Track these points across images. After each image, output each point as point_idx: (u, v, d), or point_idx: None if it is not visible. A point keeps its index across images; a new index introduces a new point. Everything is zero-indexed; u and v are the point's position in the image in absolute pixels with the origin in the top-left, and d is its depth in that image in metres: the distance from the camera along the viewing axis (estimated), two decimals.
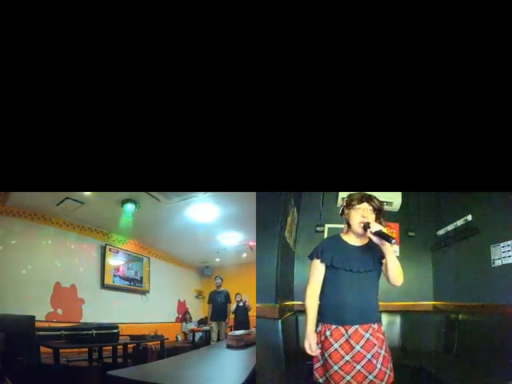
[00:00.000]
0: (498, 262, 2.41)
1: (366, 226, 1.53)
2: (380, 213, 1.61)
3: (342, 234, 1.69)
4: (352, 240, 1.65)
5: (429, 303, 3.29)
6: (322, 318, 1.62)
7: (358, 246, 1.64)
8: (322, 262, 1.61)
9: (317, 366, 1.63)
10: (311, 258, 1.67)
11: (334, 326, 1.58)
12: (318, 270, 1.62)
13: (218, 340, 4.82)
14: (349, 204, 1.63)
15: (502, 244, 2.38)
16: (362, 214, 1.58)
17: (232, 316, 5.15)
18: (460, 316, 2.71)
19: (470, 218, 2.76)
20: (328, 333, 1.58)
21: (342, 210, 1.67)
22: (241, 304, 5.08)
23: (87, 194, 3.43)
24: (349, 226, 1.65)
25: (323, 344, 1.59)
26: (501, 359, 2.08)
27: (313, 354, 1.59)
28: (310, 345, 1.58)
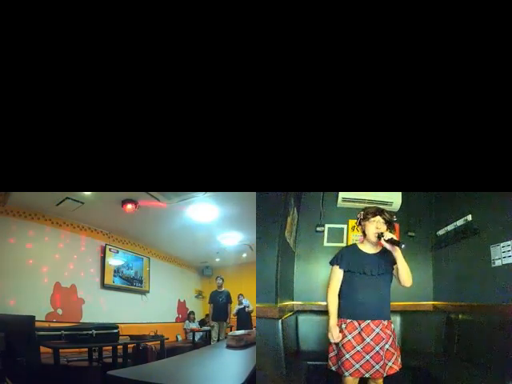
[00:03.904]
0: (498, 262, 2.41)
1: (380, 235, 1.77)
2: (390, 224, 1.85)
3: (358, 243, 1.96)
4: (367, 248, 1.89)
5: (429, 303, 3.29)
6: (339, 314, 1.86)
7: (372, 254, 1.88)
8: (340, 267, 1.87)
9: (331, 354, 1.88)
10: (332, 264, 1.92)
11: (349, 321, 1.82)
12: (337, 274, 1.88)
13: (219, 340, 4.83)
14: (365, 217, 1.87)
15: (501, 244, 2.38)
16: (376, 225, 1.82)
17: (234, 318, 5.15)
18: (460, 316, 2.70)
19: (469, 218, 2.76)
20: (343, 326, 1.82)
21: (359, 222, 1.91)
22: (241, 306, 5.07)
23: (87, 193, 3.43)
24: (364, 235, 1.89)
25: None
26: (501, 359, 2.08)
27: (336, 342, 1.81)
28: (332, 334, 1.81)
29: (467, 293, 2.75)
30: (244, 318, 4.97)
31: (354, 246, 1.96)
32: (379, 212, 1.85)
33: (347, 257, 1.88)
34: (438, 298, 3.26)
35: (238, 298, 5.13)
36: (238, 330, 4.73)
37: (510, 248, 2.30)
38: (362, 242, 1.93)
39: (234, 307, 5.12)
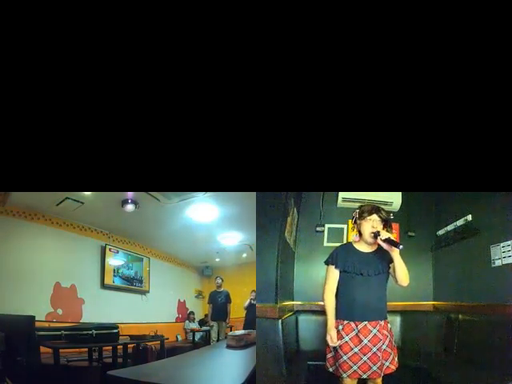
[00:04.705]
0: (498, 262, 2.41)
1: (377, 234, 1.72)
2: (387, 223, 1.80)
3: (353, 242, 1.89)
4: (363, 247, 1.83)
5: (429, 303, 3.29)
6: (336, 314, 1.81)
7: (368, 253, 1.83)
8: (336, 267, 1.82)
9: (329, 356, 1.84)
10: (326, 263, 1.86)
11: (345, 322, 1.79)
12: (333, 274, 1.83)
13: (218, 340, 4.82)
14: (360, 216, 1.81)
15: (501, 244, 2.37)
16: (372, 224, 1.77)
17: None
18: (460, 316, 2.70)
19: (469, 218, 2.76)
20: (340, 327, 1.79)
21: (355, 220, 1.85)
22: (254, 302, 5.03)
23: (87, 193, 3.43)
24: (360, 235, 1.83)
25: (336, 336, 1.78)
26: (501, 359, 2.08)
27: (335, 345, 1.78)
28: (331, 337, 1.77)
29: (467, 293, 2.75)
30: (253, 313, 4.90)
31: (349, 244, 1.89)
32: (375, 210, 1.79)
33: (343, 256, 1.82)
34: (438, 298, 3.26)
35: (251, 294, 5.07)
36: (245, 323, 4.70)
37: (510, 248, 2.30)
38: (358, 242, 1.86)
39: (245, 301, 5.07)
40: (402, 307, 3.09)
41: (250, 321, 4.78)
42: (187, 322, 5.89)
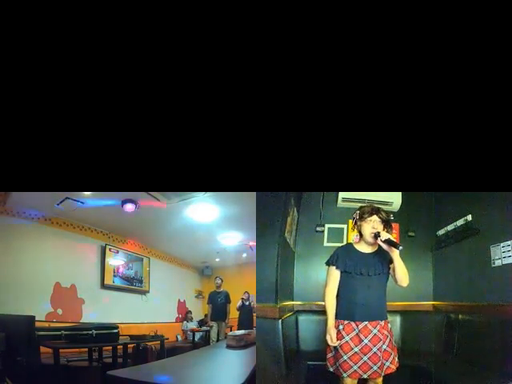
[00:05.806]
0: (498, 262, 2.41)
1: (377, 235, 1.74)
2: (387, 223, 1.81)
3: (353, 243, 1.91)
4: (363, 248, 1.85)
5: (429, 303, 3.29)
6: (336, 314, 1.83)
7: (368, 253, 1.85)
8: (337, 268, 1.84)
9: (329, 355, 1.85)
10: (328, 264, 1.88)
11: (346, 322, 1.80)
12: (334, 274, 1.85)
13: (218, 340, 4.82)
14: (361, 217, 1.83)
15: (501, 244, 2.37)
16: (372, 225, 1.79)
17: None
18: (460, 316, 2.70)
19: (469, 218, 2.76)
20: (341, 327, 1.80)
21: (355, 222, 1.87)
22: (247, 303, 5.05)
23: (87, 193, 3.43)
24: (361, 235, 1.85)
25: (336, 336, 1.80)
26: (501, 359, 2.08)
27: (334, 345, 1.79)
28: (331, 337, 1.78)
29: (467, 293, 2.75)
30: (246, 315, 4.91)
31: (350, 245, 1.92)
32: (375, 211, 1.80)
33: (343, 257, 1.84)
34: (438, 298, 3.26)
35: (244, 294, 5.09)
36: (238, 325, 4.71)
37: (510, 248, 2.30)
38: (358, 242, 1.89)
39: (237, 302, 5.08)
40: (402, 307, 3.09)
41: (243, 321, 4.80)
42: (185, 322, 5.89)
